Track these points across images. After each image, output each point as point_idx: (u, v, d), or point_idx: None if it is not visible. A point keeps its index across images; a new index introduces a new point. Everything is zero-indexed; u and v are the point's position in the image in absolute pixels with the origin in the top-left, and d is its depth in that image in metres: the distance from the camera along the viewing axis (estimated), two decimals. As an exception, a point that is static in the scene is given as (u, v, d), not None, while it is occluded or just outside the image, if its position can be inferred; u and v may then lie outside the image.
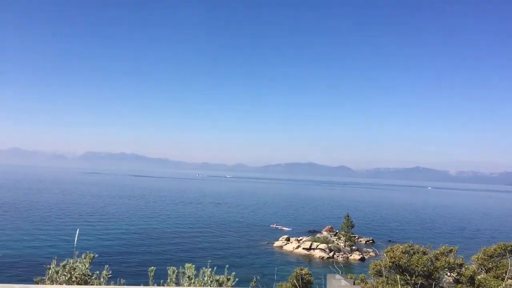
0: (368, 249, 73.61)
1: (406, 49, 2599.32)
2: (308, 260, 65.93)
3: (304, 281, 11.94)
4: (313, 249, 68.43)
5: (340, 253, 67.63)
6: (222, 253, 65.74)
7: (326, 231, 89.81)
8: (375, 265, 11.59)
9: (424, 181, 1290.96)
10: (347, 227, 70.16)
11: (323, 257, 66.24)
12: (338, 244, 70.81)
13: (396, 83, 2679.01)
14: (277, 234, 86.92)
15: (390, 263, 10.69)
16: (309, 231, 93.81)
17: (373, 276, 11.53)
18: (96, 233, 77.72)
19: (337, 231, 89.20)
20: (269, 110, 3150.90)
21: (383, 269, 11.76)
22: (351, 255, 67.30)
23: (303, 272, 12.79)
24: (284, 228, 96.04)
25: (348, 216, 71.20)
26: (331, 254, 67.05)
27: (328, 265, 63.69)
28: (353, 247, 70.67)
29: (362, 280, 11.49)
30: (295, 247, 70.46)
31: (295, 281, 12.51)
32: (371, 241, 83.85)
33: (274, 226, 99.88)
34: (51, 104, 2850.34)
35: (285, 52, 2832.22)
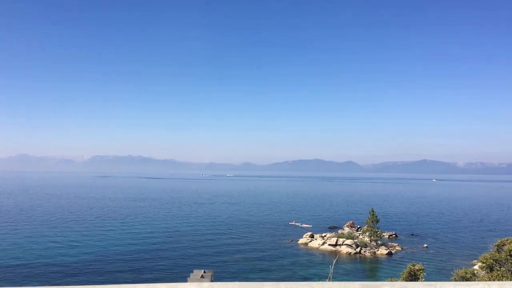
0: (393, 244, 73.07)
1: (409, 42, 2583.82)
2: (334, 256, 65.66)
3: (418, 277, 11.68)
4: (339, 245, 68.06)
5: (367, 248, 67.22)
6: (249, 252, 65.63)
7: (347, 226, 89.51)
8: (486, 258, 11.42)
9: (432, 174, 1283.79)
10: (372, 222, 69.70)
11: (350, 252, 65.92)
12: (363, 239, 70.44)
13: (400, 76, 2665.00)
14: (297, 231, 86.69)
15: (509, 256, 10.52)
16: (330, 227, 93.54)
17: (484, 269, 11.39)
18: (123, 235, 78.26)
19: (358, 226, 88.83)
20: (274, 108, 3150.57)
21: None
22: (378, 250, 66.87)
23: (416, 268, 12.53)
24: (304, 225, 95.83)
25: (373, 211, 70.79)
26: (357, 249, 66.68)
27: (356, 260, 63.53)
28: (379, 242, 70.23)
29: (473, 274, 11.32)
30: (320, 243, 70.15)
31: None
32: (394, 236, 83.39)
33: (293, 223, 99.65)
34: (56, 109, 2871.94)
35: (289, 49, 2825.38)
